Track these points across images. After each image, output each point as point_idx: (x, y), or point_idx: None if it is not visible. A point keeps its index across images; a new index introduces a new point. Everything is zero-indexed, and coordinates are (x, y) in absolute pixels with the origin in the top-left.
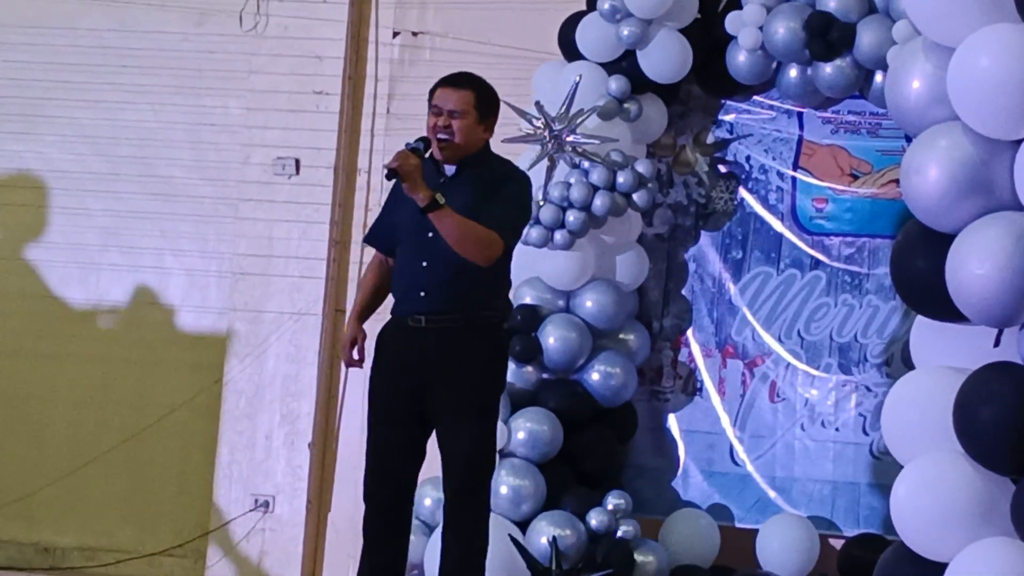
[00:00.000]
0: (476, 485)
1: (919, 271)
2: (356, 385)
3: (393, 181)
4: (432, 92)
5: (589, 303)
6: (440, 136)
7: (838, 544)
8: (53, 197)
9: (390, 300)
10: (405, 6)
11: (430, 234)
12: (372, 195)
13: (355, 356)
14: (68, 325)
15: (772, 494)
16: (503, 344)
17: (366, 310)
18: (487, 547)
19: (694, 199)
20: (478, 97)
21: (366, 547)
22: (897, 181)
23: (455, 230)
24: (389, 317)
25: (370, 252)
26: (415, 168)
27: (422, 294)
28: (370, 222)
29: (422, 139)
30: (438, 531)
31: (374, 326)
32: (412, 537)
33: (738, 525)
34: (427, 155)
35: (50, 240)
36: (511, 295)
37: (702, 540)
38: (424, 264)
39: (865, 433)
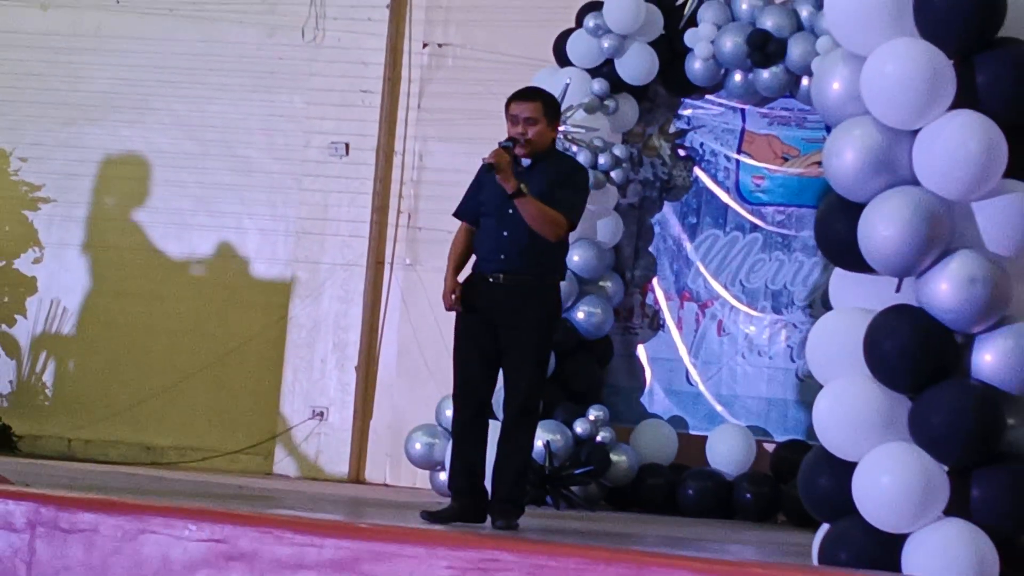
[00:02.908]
0: (533, 408)
1: (837, 232)
2: (392, 321)
3: (489, 172)
4: (508, 104)
5: (576, 258)
6: (521, 138)
7: (771, 448)
8: (155, 172)
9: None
10: (432, 23)
11: (510, 211)
12: (405, 172)
13: (455, 303)
14: (166, 272)
15: (719, 408)
16: (560, 299)
17: (459, 267)
18: (531, 459)
19: (659, 176)
20: (545, 105)
21: (456, 447)
22: (819, 163)
23: (534, 213)
24: (471, 271)
25: (403, 217)
26: (507, 163)
27: (502, 256)
28: (404, 194)
29: (511, 139)
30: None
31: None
32: (439, 440)
33: (692, 432)
34: (512, 152)
35: (152, 206)
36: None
37: (664, 444)
38: (505, 234)
39: (792, 361)
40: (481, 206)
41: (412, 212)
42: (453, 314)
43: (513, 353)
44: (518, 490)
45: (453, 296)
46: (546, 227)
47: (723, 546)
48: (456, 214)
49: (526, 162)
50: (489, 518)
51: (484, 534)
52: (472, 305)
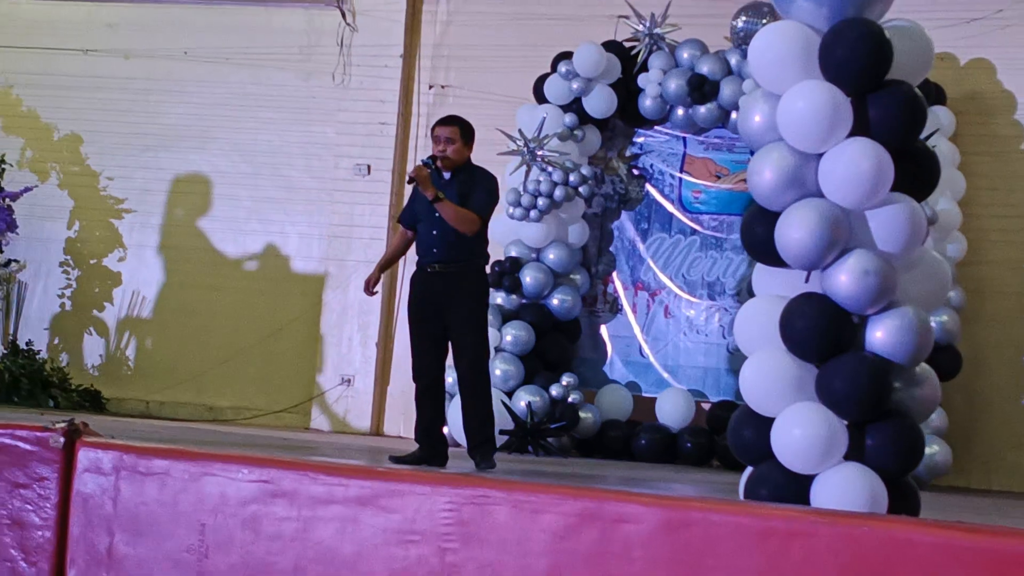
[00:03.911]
0: (482, 368)
1: (759, 235)
2: (405, 307)
3: (413, 184)
4: (432, 129)
5: (551, 255)
6: (440, 155)
7: (707, 406)
8: (216, 188)
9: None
10: (436, 68)
11: (437, 214)
12: None
13: (373, 290)
14: (224, 268)
15: (666, 375)
16: (487, 279)
17: (387, 265)
18: (492, 406)
19: (617, 191)
20: (462, 129)
21: (418, 410)
22: (745, 180)
23: (452, 214)
24: (415, 267)
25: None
26: (426, 176)
27: (434, 250)
28: None
29: (431, 157)
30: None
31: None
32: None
33: (644, 394)
34: (435, 167)
35: (214, 215)
36: (490, 250)
37: (622, 404)
38: (435, 232)
39: (724, 337)
40: (417, 213)
41: None
42: None
43: (456, 325)
44: (488, 431)
45: (373, 283)
46: (462, 224)
47: (668, 485)
48: (399, 220)
49: (447, 175)
50: (473, 462)
51: (477, 476)
52: (418, 293)
